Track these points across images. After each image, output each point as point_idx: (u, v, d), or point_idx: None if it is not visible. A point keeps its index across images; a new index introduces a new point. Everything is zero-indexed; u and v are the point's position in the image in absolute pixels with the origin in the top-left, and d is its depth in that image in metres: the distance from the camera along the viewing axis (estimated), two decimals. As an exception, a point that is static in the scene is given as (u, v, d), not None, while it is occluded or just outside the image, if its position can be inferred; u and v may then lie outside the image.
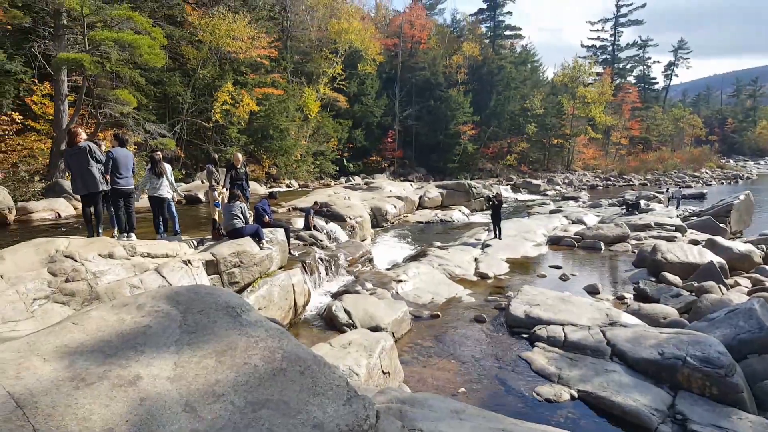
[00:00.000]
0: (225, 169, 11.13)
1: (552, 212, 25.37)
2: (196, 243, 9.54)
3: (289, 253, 10.89)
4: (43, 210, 14.84)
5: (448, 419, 3.68)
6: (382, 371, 6.62)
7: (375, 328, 8.34)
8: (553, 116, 57.30)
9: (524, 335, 8.73)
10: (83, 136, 8.16)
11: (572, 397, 6.50)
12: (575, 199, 35.04)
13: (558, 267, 14.27)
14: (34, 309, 5.84)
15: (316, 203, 15.38)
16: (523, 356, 7.84)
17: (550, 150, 58.89)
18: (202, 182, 10.89)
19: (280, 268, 9.79)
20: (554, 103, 58.12)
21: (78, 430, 2.63)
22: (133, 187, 8.59)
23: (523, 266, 14.49)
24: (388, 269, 13.12)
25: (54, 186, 17.34)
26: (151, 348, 3.41)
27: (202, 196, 18.14)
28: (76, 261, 6.67)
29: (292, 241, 11.67)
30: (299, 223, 14.36)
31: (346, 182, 36.66)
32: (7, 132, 19.94)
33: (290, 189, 32.19)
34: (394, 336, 8.33)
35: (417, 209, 25.72)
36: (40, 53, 20.63)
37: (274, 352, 3.61)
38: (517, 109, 57.32)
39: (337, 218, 16.19)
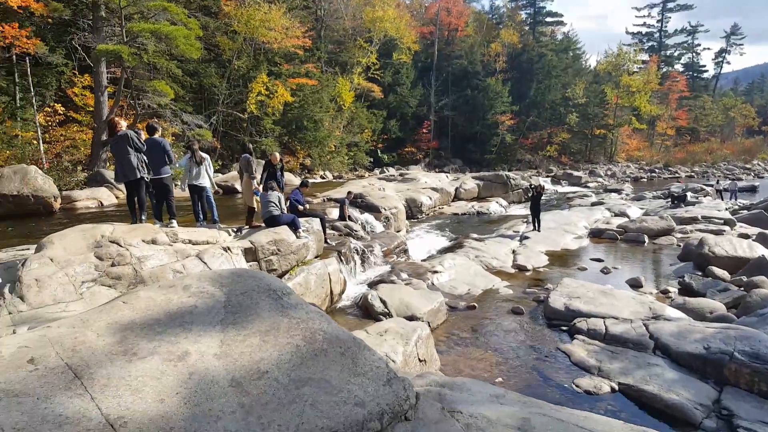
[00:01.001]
0: (263, 164, 11.40)
1: (594, 204, 24.93)
2: (234, 231, 9.81)
3: (325, 242, 11.07)
4: (86, 198, 15.51)
5: (487, 403, 3.74)
6: (419, 359, 6.72)
7: (410, 318, 8.44)
8: (595, 106, 56.09)
9: (563, 328, 8.68)
10: (123, 125, 8.48)
11: (612, 390, 6.46)
12: (618, 191, 34.27)
13: (599, 260, 14.06)
14: (82, 291, 6.14)
15: (350, 193, 15.54)
16: (562, 348, 7.81)
17: (592, 141, 57.71)
18: (239, 173, 11.11)
19: (316, 257, 9.98)
20: (597, 92, 56.88)
21: (132, 401, 2.81)
22: (169, 175, 8.85)
23: (562, 259, 14.34)
24: (423, 260, 13.18)
25: (96, 175, 18.02)
26: (197, 326, 3.58)
27: (238, 186, 18.54)
28: (121, 246, 6.97)
29: (328, 231, 11.86)
30: (334, 213, 14.56)
31: (380, 173, 36.79)
32: (50, 123, 20.82)
33: (324, 180, 32.55)
34: (429, 326, 8.41)
35: (453, 201, 25.62)
36: (80, 45, 21.40)
37: (315, 333, 3.74)
38: (558, 99, 56.32)
39: (372, 209, 16.33)
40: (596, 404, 6.16)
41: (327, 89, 37.22)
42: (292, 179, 23.92)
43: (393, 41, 45.27)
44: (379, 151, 45.23)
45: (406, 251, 13.64)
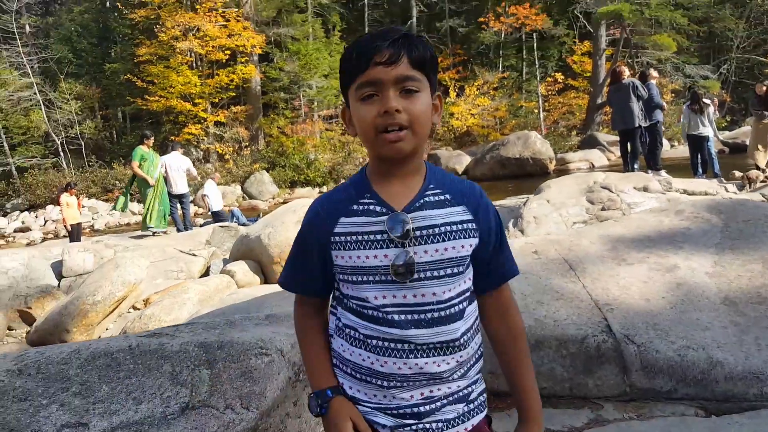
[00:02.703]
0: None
1: None
2: (739, 188, 9.08)
3: None
4: (578, 161, 17.26)
5: None
6: None
7: None
8: None
9: None
10: (627, 73, 9.10)
11: None
12: None
13: None
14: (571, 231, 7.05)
15: None
16: None
17: None
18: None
19: None
20: None
21: (618, 294, 3.22)
22: (662, 120, 9.16)
23: None
24: None
25: (589, 139, 19.58)
26: (689, 245, 3.70)
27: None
28: (612, 192, 7.57)
29: None
30: None
31: None
32: (550, 92, 23.75)
33: None
34: None
35: None
36: (581, 13, 23.27)
37: None
38: None
39: None
40: None
41: None
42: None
43: None
44: None
45: None
